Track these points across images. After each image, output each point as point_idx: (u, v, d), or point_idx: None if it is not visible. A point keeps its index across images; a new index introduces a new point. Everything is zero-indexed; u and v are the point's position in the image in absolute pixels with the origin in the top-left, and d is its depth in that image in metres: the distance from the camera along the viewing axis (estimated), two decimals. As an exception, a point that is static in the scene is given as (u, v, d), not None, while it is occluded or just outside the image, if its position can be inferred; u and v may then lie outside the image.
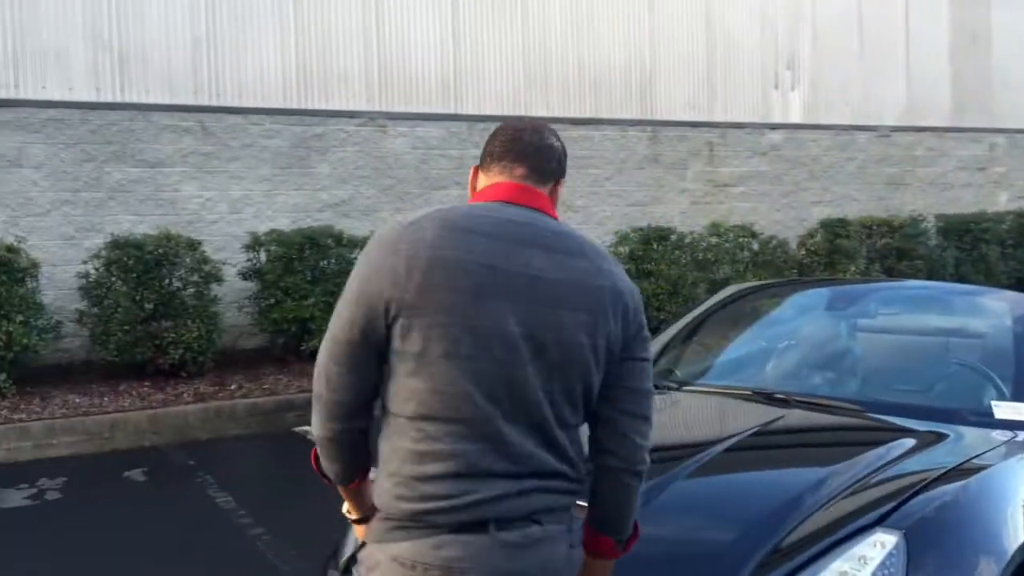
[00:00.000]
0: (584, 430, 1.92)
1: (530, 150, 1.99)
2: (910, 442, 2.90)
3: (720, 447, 2.89)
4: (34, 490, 5.68)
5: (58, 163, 8.15)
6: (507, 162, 1.99)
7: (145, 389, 7.43)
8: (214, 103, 8.74)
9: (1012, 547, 2.46)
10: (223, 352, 8.12)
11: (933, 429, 3.04)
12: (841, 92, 12.53)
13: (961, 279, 10.90)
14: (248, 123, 8.87)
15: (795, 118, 12.17)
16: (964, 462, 2.74)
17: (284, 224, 8.75)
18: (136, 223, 8.31)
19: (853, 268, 10.48)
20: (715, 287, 8.42)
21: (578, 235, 1.95)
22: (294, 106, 9.12)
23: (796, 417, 3.20)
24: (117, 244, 7.51)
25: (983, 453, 2.84)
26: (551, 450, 1.82)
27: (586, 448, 1.91)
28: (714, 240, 10.24)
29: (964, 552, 2.41)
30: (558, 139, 2.05)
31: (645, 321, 1.93)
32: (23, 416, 6.76)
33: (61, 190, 8.16)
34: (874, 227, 11.23)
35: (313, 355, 7.95)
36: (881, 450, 2.82)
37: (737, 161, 11.70)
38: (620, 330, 1.88)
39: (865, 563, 2.26)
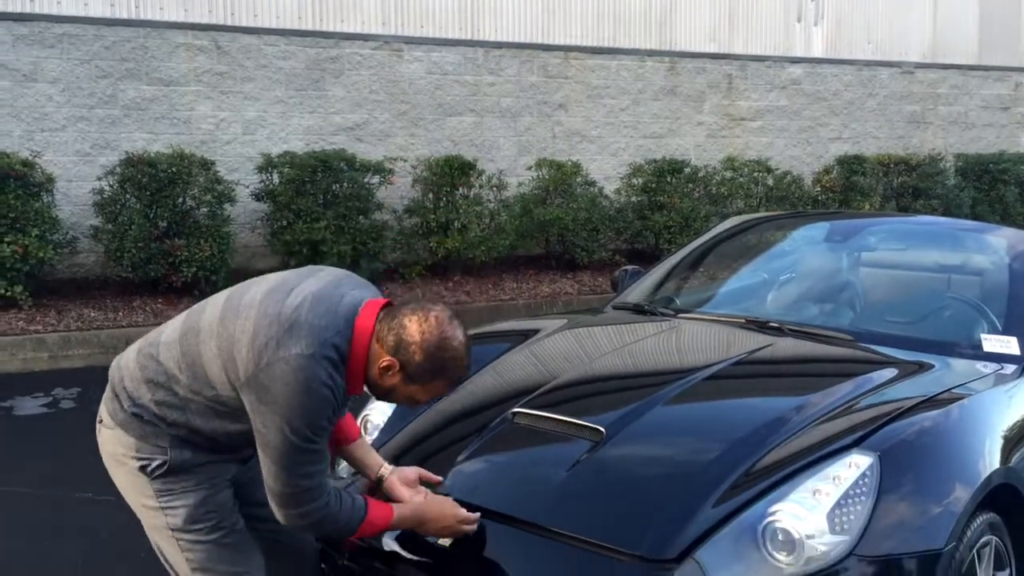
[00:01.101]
0: None
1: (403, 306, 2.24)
2: (894, 371, 2.95)
3: (703, 374, 2.95)
4: (49, 399, 5.83)
5: (73, 79, 8.17)
6: None
7: (159, 305, 7.56)
8: (229, 22, 8.70)
9: (986, 473, 2.52)
10: (235, 272, 8.22)
11: (921, 360, 3.08)
12: (865, 27, 12.31)
13: (977, 219, 10.83)
14: (263, 43, 8.84)
15: (817, 52, 11.99)
16: (947, 391, 2.79)
17: (297, 147, 8.77)
18: (150, 141, 8.35)
19: (868, 206, 10.43)
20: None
21: None
22: (309, 27, 9.06)
23: (785, 345, 3.25)
24: (131, 162, 7.57)
25: (967, 383, 2.88)
26: None
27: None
28: (728, 174, 10.21)
29: (937, 476, 2.47)
30: (424, 335, 2.13)
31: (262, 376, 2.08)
32: (39, 328, 6.91)
33: (76, 106, 8.20)
34: (891, 165, 11.14)
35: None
36: (865, 377, 2.88)
37: (756, 95, 11.58)
38: None
39: (838, 482, 2.32)
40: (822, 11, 12.00)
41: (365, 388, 2.23)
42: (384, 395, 2.24)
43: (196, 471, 2.26)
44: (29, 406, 5.70)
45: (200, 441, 2.24)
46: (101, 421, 2.33)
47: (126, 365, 2.30)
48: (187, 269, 7.53)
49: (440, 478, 2.56)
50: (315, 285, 2.18)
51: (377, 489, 2.49)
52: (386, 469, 2.51)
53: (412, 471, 2.53)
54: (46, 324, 7.00)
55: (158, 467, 2.23)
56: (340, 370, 2.11)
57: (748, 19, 11.51)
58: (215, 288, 7.81)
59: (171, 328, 2.28)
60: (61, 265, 7.80)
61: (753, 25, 11.54)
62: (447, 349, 2.13)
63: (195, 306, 2.31)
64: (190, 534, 2.26)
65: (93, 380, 6.27)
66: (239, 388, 2.10)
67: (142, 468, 2.24)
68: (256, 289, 2.21)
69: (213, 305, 2.24)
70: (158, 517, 2.27)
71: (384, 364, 2.13)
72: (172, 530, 2.26)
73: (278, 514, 2.18)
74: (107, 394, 2.33)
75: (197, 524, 2.25)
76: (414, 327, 2.12)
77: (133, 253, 7.45)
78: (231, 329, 2.13)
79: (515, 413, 2.81)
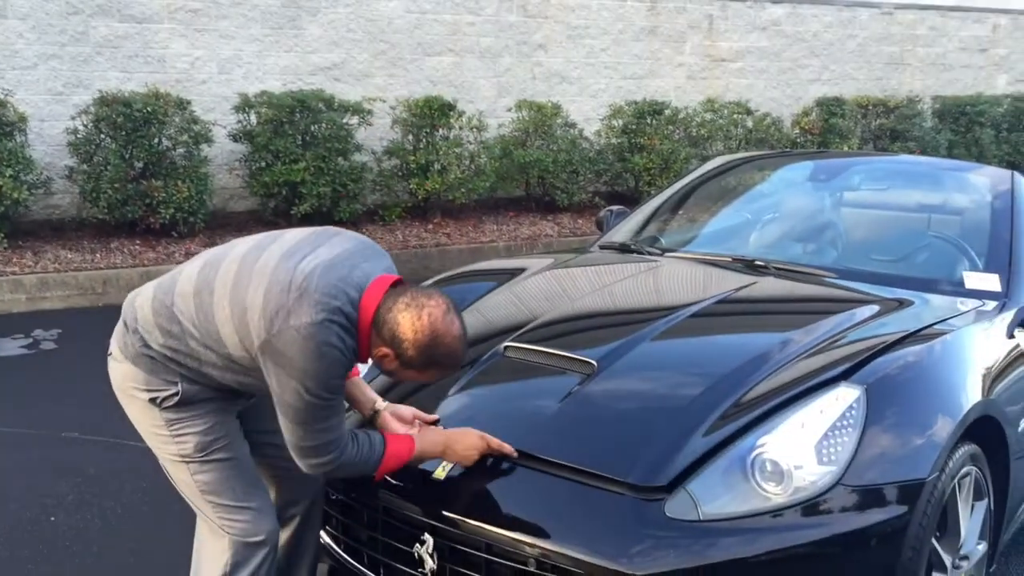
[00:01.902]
0: None
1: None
2: (876, 308, 3.00)
3: (689, 311, 2.98)
4: (29, 340, 5.80)
5: (43, 15, 7.98)
6: None
7: (136, 247, 7.49)
8: (202, -43, 8.49)
9: (967, 406, 2.57)
10: (214, 214, 8.15)
11: (902, 297, 3.13)
12: (846, -34, 12.23)
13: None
14: (237, -20, 8.65)
15: (798, -8, 11.91)
16: (929, 326, 2.84)
17: (274, 86, 8.65)
18: (124, 80, 8.20)
19: (846, 148, 10.46)
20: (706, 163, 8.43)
21: None
22: (285, -37, 8.87)
23: (768, 284, 3.28)
24: (105, 101, 7.44)
25: (949, 319, 2.93)
26: None
27: None
28: (708, 116, 10.19)
29: (921, 409, 2.52)
30: (416, 333, 2.15)
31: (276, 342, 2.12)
32: (15, 269, 6.84)
33: (47, 43, 8.02)
34: (870, 107, 11.16)
35: (305, 218, 7.99)
36: (847, 314, 2.92)
37: (736, 36, 11.51)
38: None
39: (825, 415, 2.37)
40: (803, -50, 11.89)
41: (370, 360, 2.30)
42: (386, 373, 2.30)
43: (205, 403, 2.30)
44: (9, 347, 5.66)
45: (211, 383, 2.29)
46: (111, 354, 2.37)
47: (141, 306, 2.31)
48: (164, 210, 7.45)
49: (436, 416, 2.58)
50: (328, 253, 2.20)
51: (371, 424, 2.52)
52: (380, 404, 2.55)
53: (407, 409, 2.56)
54: (23, 266, 6.93)
55: (168, 398, 2.27)
56: (351, 333, 2.15)
57: (729, -42, 11.39)
58: (193, 230, 7.75)
59: (186, 277, 2.28)
60: (36, 206, 7.70)
61: (734, -36, 11.43)
62: (439, 346, 2.17)
63: (211, 256, 2.30)
64: (200, 461, 2.31)
65: (73, 322, 6.26)
66: (253, 353, 2.15)
67: (152, 400, 2.28)
68: (270, 253, 2.22)
69: (229, 262, 2.24)
70: (169, 445, 2.32)
71: (380, 353, 2.19)
72: (182, 456, 2.31)
73: (299, 464, 2.25)
74: (119, 328, 2.36)
75: (206, 451, 2.31)
76: (407, 325, 2.14)
77: (109, 194, 7.35)
78: (243, 295, 2.16)
79: (506, 347, 2.83)
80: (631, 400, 2.58)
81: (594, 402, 2.55)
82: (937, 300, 3.13)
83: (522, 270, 3.58)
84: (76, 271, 6.93)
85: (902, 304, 3.06)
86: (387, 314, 2.15)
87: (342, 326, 2.12)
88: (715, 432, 2.39)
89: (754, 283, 3.25)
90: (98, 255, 7.28)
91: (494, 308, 3.22)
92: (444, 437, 2.42)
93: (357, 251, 2.25)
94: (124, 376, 2.32)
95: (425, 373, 2.25)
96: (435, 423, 2.56)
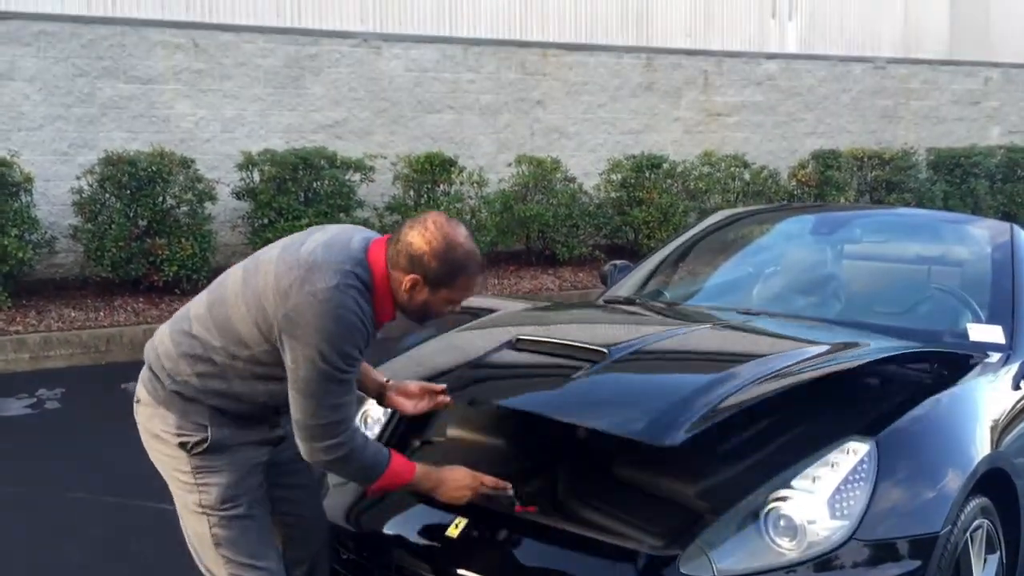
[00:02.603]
0: None
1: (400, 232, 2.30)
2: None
3: (683, 330, 3.07)
4: (34, 400, 5.80)
5: (50, 77, 8.10)
6: None
7: (140, 305, 7.52)
8: (207, 19, 8.66)
9: (977, 459, 2.59)
10: (217, 271, 8.18)
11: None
12: (838, 22, 12.45)
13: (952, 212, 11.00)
14: (241, 41, 8.81)
15: (791, 48, 12.11)
16: (940, 378, 2.86)
17: (277, 144, 8.75)
18: (129, 140, 8.29)
19: (843, 200, 10.56)
20: (705, 216, 8.50)
21: None
22: (287, 25, 9.04)
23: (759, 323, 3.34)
24: (111, 160, 7.52)
25: (957, 371, 2.95)
26: None
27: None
28: (706, 169, 10.30)
29: (932, 462, 2.53)
30: (430, 242, 2.20)
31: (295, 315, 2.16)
32: (19, 328, 6.85)
33: (54, 105, 8.13)
34: (865, 159, 11.28)
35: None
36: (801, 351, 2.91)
37: (732, 91, 11.67)
38: None
39: (837, 468, 2.38)
40: (796, 6, 12.12)
41: (400, 314, 2.31)
42: (421, 313, 2.30)
43: (233, 451, 2.32)
44: (13, 407, 5.66)
45: (241, 410, 2.30)
46: (139, 401, 2.39)
47: (160, 343, 2.36)
48: (168, 268, 7.49)
49: (443, 386, 2.61)
50: (324, 236, 2.30)
51: (380, 403, 2.60)
52: (387, 383, 2.59)
53: (414, 384, 2.60)
54: (26, 325, 6.95)
55: (197, 444, 2.29)
56: (366, 297, 2.20)
57: (723, 15, 11.61)
58: (196, 288, 7.77)
59: (197, 304, 2.36)
60: (40, 265, 7.74)
61: (728, 21, 11.64)
62: (456, 248, 2.21)
63: (214, 283, 2.39)
64: (219, 512, 2.31)
65: (76, 380, 6.26)
66: (272, 334, 2.19)
67: (182, 445, 2.29)
68: (269, 252, 2.32)
69: (233, 278, 2.33)
70: (192, 494, 2.32)
71: (408, 283, 2.20)
72: (203, 507, 2.31)
73: (303, 449, 2.24)
74: (144, 375, 2.39)
75: (227, 503, 2.31)
76: (419, 239, 2.20)
77: (113, 252, 7.40)
78: (255, 285, 2.24)
79: (519, 339, 2.89)
80: (642, 376, 2.73)
81: (605, 379, 2.60)
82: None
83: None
84: (80, 329, 6.95)
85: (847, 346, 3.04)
86: (397, 245, 2.22)
87: (356, 289, 2.16)
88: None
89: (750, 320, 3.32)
90: (101, 313, 7.30)
91: (505, 321, 3.30)
92: (439, 475, 2.41)
93: (348, 229, 2.36)
94: (154, 420, 2.33)
95: (456, 287, 2.25)
96: (442, 392, 2.59)
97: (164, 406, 2.31)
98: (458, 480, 2.40)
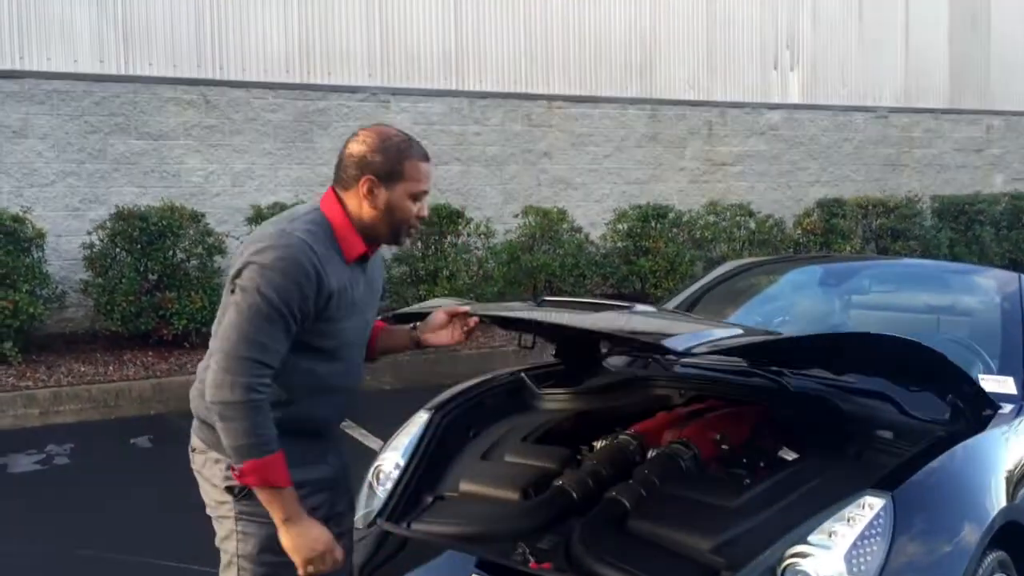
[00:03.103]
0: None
1: (337, 159, 2.35)
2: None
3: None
4: (43, 455, 5.79)
5: (62, 134, 8.21)
6: None
7: (149, 359, 7.53)
8: (217, 76, 8.79)
9: (993, 512, 2.58)
10: (226, 323, 8.22)
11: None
12: (840, 73, 12.59)
13: (955, 260, 11.02)
14: (251, 97, 8.93)
15: (794, 98, 12.24)
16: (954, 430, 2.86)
17: (286, 198, 8.83)
18: (140, 195, 8.38)
19: (848, 248, 10.59)
20: (712, 265, 8.53)
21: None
22: (296, 80, 9.17)
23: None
24: (121, 215, 7.59)
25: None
26: None
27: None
28: (711, 219, 10.35)
29: (948, 516, 2.53)
30: (365, 142, 2.29)
31: (241, 268, 2.19)
32: (29, 384, 6.87)
33: (66, 161, 8.23)
34: (870, 207, 11.33)
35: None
36: None
37: (736, 140, 11.78)
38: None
39: (853, 523, 2.37)
40: (797, 57, 12.27)
41: (373, 247, 2.34)
42: (391, 220, 2.30)
43: None
44: (23, 463, 5.65)
45: (284, 439, 2.20)
46: (194, 449, 2.38)
47: (194, 389, 2.37)
48: (178, 322, 7.52)
49: (466, 307, 2.63)
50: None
51: (416, 346, 2.63)
52: (415, 329, 2.62)
53: (439, 315, 2.61)
54: (36, 380, 6.96)
55: (243, 487, 2.24)
56: (318, 238, 2.21)
57: (726, 66, 11.75)
58: (206, 341, 7.79)
59: (212, 339, 2.33)
60: (50, 320, 7.78)
61: (731, 72, 11.78)
62: (391, 137, 2.30)
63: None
64: (254, 564, 2.27)
65: (86, 436, 6.25)
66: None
67: (229, 488, 2.26)
68: None
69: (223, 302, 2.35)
70: (230, 540, 2.29)
71: (365, 187, 2.26)
72: (240, 556, 2.27)
73: (210, 381, 2.14)
74: (195, 424, 2.39)
75: (263, 556, 2.26)
76: (356, 146, 2.30)
77: (123, 307, 7.44)
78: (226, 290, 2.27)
79: (542, 300, 3.00)
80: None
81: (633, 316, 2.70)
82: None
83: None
84: (89, 384, 6.96)
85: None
86: (341, 172, 2.30)
87: (304, 232, 2.19)
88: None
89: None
90: (111, 367, 7.32)
91: None
92: (303, 515, 2.21)
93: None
94: (206, 465, 2.32)
95: (408, 177, 2.27)
96: (466, 313, 2.60)
97: (215, 448, 2.27)
98: (316, 536, 2.21)
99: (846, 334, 2.72)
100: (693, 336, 2.44)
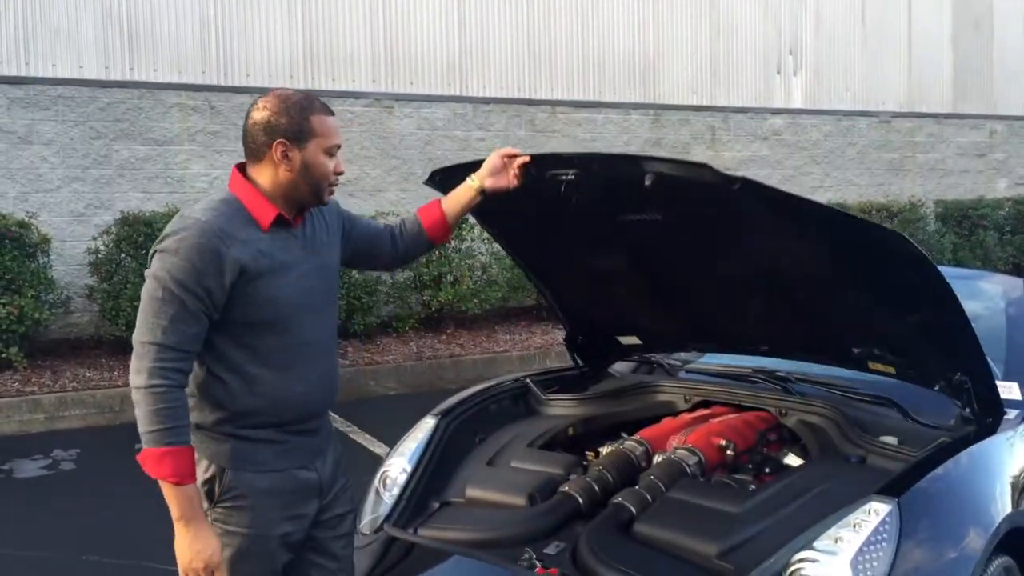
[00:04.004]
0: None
1: (242, 133, 2.31)
2: None
3: None
4: (49, 461, 5.80)
5: (67, 140, 8.24)
6: None
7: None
8: (222, 82, 8.82)
9: (998, 518, 2.58)
10: (230, 329, 8.24)
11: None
12: (843, 78, 12.60)
13: (959, 265, 11.02)
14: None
15: (797, 103, 12.25)
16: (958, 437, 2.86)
17: (290, 203, 8.84)
18: (144, 200, 8.41)
19: (852, 253, 10.59)
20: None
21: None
22: (301, 86, 9.18)
23: None
24: (127, 221, 7.62)
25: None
26: None
27: None
28: (715, 223, 10.35)
29: (954, 522, 2.53)
30: (267, 108, 2.24)
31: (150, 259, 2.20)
32: (34, 389, 6.88)
33: (71, 167, 8.26)
34: (873, 212, 11.33)
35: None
36: None
37: (739, 145, 11.79)
38: None
39: (859, 529, 2.37)
40: (800, 62, 12.29)
41: (296, 212, 2.29)
42: (311, 180, 2.25)
43: (248, 501, 2.22)
44: (29, 468, 5.67)
45: (250, 424, 2.21)
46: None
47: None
48: (182, 327, 7.52)
49: (525, 156, 2.69)
50: None
51: (487, 194, 2.69)
52: (472, 180, 2.70)
53: (494, 159, 2.70)
54: (41, 385, 6.98)
55: (210, 483, 2.21)
56: (221, 213, 2.17)
57: (729, 72, 11.77)
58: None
59: None
60: (55, 325, 7.80)
61: (734, 77, 11.80)
62: (290, 96, 2.26)
63: None
64: (232, 573, 2.22)
65: (91, 441, 6.27)
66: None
67: (208, 494, 2.23)
68: None
69: None
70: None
71: (278, 152, 2.22)
72: (225, 560, 2.20)
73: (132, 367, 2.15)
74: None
75: (240, 566, 2.22)
76: (258, 115, 2.24)
77: (128, 312, 7.44)
78: None
79: None
80: None
81: None
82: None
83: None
84: (94, 389, 6.98)
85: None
86: (248, 141, 2.25)
87: (209, 211, 2.16)
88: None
89: None
90: (116, 372, 7.33)
91: None
92: (200, 520, 2.14)
93: None
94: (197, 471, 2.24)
95: (316, 133, 2.24)
96: (521, 156, 2.68)
97: (198, 449, 2.21)
98: (203, 548, 2.12)
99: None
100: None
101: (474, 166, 2.75)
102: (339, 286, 2.47)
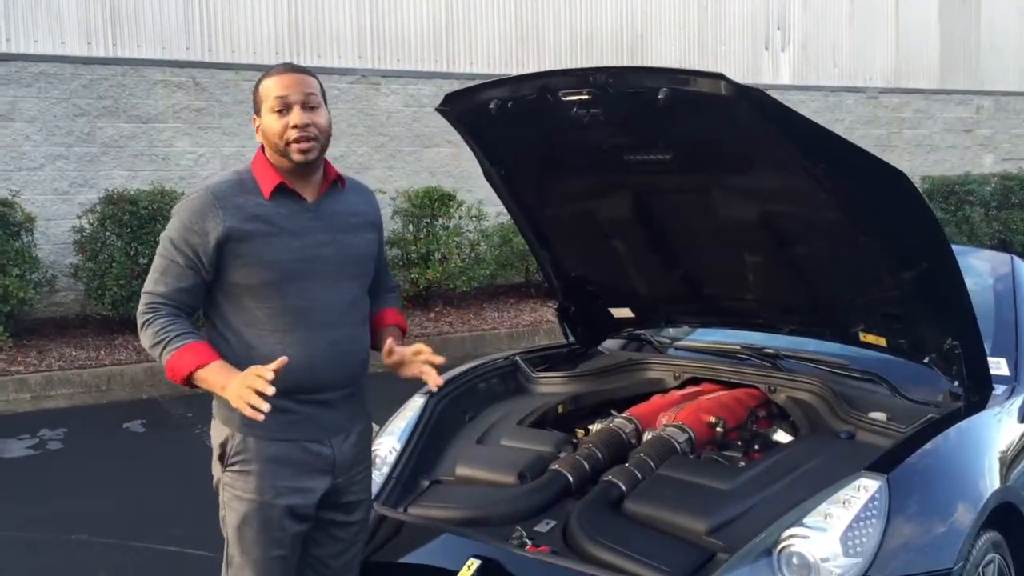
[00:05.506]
0: None
1: None
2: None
3: None
4: (35, 440, 5.78)
5: (50, 118, 8.15)
6: None
7: (140, 343, 7.50)
8: (206, 59, 8.73)
9: (987, 493, 2.59)
10: (217, 307, 8.20)
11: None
12: (831, 53, 12.58)
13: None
14: (240, 79, 8.87)
15: (785, 79, 12.23)
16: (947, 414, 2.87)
17: (277, 181, 8.79)
18: (129, 178, 8.34)
19: (839, 229, 10.62)
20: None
21: None
22: (287, 62, 9.10)
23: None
24: (111, 199, 7.56)
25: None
26: None
27: None
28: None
29: (943, 497, 2.54)
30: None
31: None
32: (20, 368, 6.84)
33: (54, 144, 8.17)
34: (861, 188, 11.35)
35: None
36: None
37: (726, 121, 11.76)
38: None
39: (848, 505, 2.38)
40: (788, 38, 12.25)
41: (297, 179, 2.32)
42: (275, 145, 2.29)
43: (254, 467, 2.27)
44: (15, 448, 5.64)
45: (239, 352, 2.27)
46: (214, 418, 2.42)
47: None
48: (169, 306, 7.48)
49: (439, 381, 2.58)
50: None
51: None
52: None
53: (407, 352, 2.52)
54: (27, 364, 6.94)
55: (223, 446, 2.30)
56: (229, 183, 2.29)
57: (716, 47, 11.73)
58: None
59: None
60: (40, 304, 7.75)
61: (722, 53, 11.76)
62: (261, 81, 2.36)
63: None
64: (237, 537, 2.29)
65: (78, 420, 6.24)
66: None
67: (220, 457, 2.31)
68: None
69: None
70: (224, 512, 2.33)
71: (255, 127, 2.34)
72: (227, 527, 2.32)
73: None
74: None
75: (243, 530, 2.27)
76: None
77: (114, 291, 7.41)
78: None
79: None
80: None
81: None
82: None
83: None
84: (81, 368, 6.94)
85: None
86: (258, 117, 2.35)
87: (220, 182, 2.29)
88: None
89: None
90: (102, 352, 7.30)
91: None
92: (227, 377, 2.17)
93: None
94: (212, 430, 2.38)
95: (266, 98, 2.29)
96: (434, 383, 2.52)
97: (217, 415, 2.35)
98: (243, 378, 2.12)
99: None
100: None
101: (492, 86, 2.82)
102: (369, 272, 2.47)
